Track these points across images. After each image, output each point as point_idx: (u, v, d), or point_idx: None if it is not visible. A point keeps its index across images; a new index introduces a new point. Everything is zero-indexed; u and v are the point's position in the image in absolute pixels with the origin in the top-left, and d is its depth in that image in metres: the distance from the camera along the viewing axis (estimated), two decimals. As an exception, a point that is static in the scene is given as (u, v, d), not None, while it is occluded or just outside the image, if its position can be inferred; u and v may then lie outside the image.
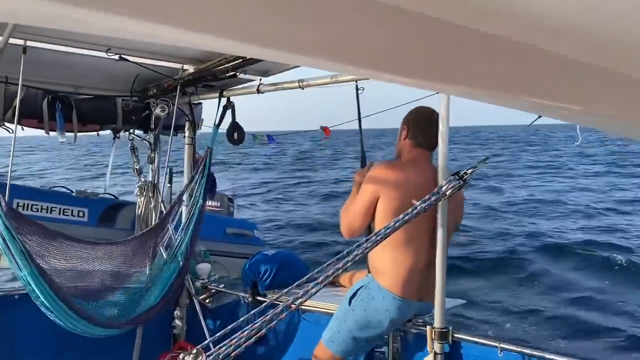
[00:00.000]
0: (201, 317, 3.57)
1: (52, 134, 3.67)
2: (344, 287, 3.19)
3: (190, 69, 3.17)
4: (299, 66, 2.92)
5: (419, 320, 2.64)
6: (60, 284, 2.75)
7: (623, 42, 0.47)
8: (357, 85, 2.86)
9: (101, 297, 3.08)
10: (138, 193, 4.03)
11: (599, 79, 0.60)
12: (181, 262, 3.39)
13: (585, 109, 0.76)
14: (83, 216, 4.50)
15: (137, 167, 4.04)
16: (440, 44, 0.51)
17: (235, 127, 3.46)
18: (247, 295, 3.47)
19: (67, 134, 3.63)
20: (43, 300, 2.60)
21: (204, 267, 3.88)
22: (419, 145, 2.63)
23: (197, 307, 3.64)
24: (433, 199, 1.81)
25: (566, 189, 18.91)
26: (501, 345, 2.34)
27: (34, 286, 2.56)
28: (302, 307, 3.06)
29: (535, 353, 2.28)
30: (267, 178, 23.90)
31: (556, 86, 0.65)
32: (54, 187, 4.93)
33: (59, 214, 4.41)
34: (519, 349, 2.32)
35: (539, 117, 1.87)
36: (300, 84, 2.92)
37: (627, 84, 0.61)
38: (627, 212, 14.38)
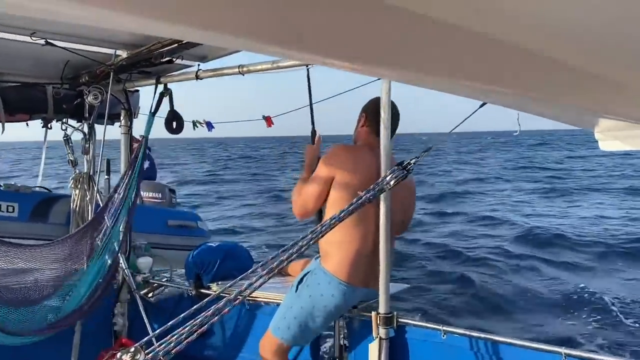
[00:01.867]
0: (143, 313, 3.46)
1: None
2: (294, 277, 3.17)
3: (123, 54, 3.02)
4: (238, 51, 2.84)
5: (364, 306, 2.65)
6: None
7: (562, 28, 0.47)
8: (308, 71, 2.89)
9: (32, 302, 2.87)
10: (72, 185, 3.85)
11: (539, 64, 0.59)
12: (109, 260, 3.16)
13: (523, 93, 0.76)
14: (13, 211, 4.25)
15: (72, 159, 3.86)
16: (382, 28, 0.49)
17: (174, 115, 3.33)
18: (191, 288, 3.39)
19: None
20: None
21: (145, 262, 3.75)
22: (377, 133, 2.66)
23: (139, 302, 3.52)
24: (377, 189, 1.80)
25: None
26: (444, 328, 2.39)
27: None
28: (252, 299, 3.03)
29: (477, 334, 2.34)
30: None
31: (497, 72, 0.65)
32: None
33: None
34: (462, 332, 2.38)
35: (484, 103, 1.90)
36: (240, 69, 2.84)
37: (567, 70, 0.61)
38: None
